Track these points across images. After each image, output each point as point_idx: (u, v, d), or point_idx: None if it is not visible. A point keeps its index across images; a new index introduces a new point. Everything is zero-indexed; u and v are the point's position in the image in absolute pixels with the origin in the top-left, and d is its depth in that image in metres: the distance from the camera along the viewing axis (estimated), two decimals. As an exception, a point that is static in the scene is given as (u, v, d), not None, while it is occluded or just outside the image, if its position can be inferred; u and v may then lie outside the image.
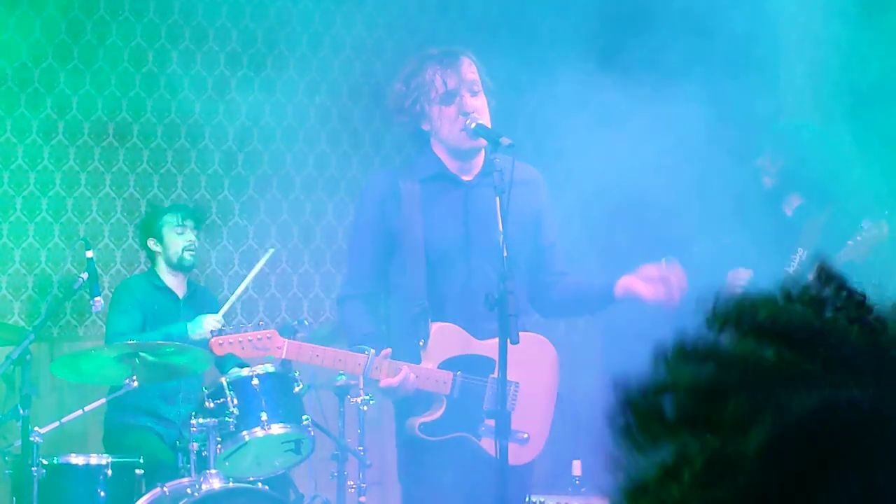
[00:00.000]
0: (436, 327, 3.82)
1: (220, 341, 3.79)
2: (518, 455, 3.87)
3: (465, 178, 3.94)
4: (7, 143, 6.05)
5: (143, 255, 5.88)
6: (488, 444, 3.79)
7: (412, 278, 3.83)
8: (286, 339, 3.76)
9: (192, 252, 5.64)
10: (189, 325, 5.37)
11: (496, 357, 3.71)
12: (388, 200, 3.90)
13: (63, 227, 6.16)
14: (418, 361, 3.82)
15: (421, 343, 3.81)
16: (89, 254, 5.02)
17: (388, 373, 3.75)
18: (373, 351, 3.74)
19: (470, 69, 3.89)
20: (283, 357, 3.81)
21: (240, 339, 3.78)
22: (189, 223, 5.65)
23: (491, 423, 3.74)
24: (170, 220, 5.66)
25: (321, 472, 5.57)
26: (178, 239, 5.63)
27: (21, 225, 6.09)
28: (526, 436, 3.80)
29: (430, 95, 3.84)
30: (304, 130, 6.73)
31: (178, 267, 5.65)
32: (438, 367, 3.83)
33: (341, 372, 5.25)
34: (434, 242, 3.86)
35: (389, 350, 3.78)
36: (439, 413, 3.82)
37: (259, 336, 3.77)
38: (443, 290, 3.85)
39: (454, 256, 3.87)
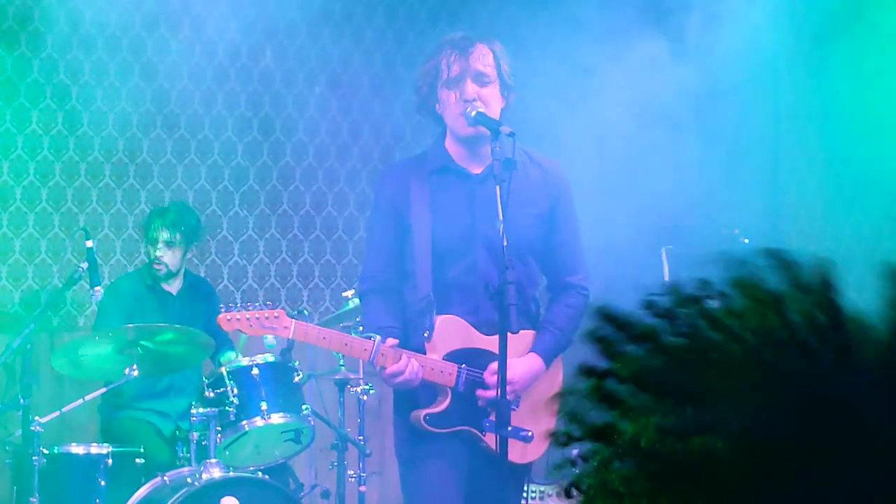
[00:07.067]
0: (440, 319, 3.82)
1: (229, 317, 3.81)
2: (523, 453, 3.86)
3: (475, 170, 3.93)
4: (7, 134, 6.06)
5: (143, 246, 5.86)
6: (492, 439, 3.79)
7: (420, 269, 3.84)
8: (293, 320, 3.77)
9: (158, 267, 5.53)
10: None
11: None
12: (399, 194, 3.92)
13: (63, 216, 6.17)
14: (425, 352, 3.81)
15: (426, 335, 3.81)
16: (89, 243, 5.01)
17: (394, 360, 3.76)
18: (378, 338, 3.74)
19: (484, 59, 3.87)
20: (290, 337, 3.82)
21: (247, 315, 3.80)
22: (161, 233, 5.51)
23: (494, 416, 3.74)
24: (148, 228, 5.60)
25: (321, 461, 5.59)
26: (149, 249, 5.57)
27: (21, 215, 6.10)
28: (530, 434, 3.79)
29: (437, 78, 3.87)
30: (303, 121, 6.72)
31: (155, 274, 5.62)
32: (443, 359, 3.83)
33: (341, 363, 5.27)
34: (441, 234, 3.86)
35: (396, 340, 3.79)
36: (444, 405, 3.82)
37: (267, 314, 3.80)
38: (448, 282, 3.86)
39: (460, 248, 3.87)
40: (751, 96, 6.70)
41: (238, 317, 3.80)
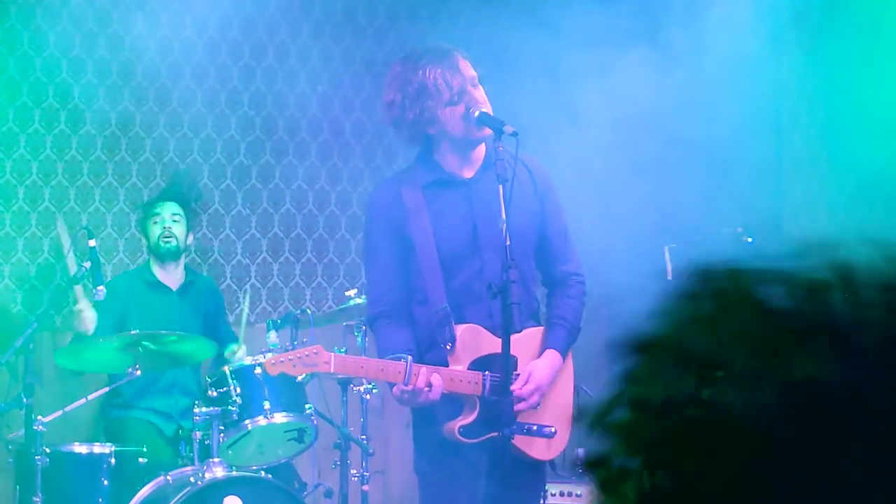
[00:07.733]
0: (461, 329, 3.79)
1: (273, 361, 3.81)
2: (547, 450, 3.86)
3: (467, 175, 3.92)
4: (9, 133, 6.05)
5: (145, 244, 5.87)
6: (520, 441, 3.77)
7: (430, 282, 3.81)
8: (332, 354, 3.78)
9: (168, 239, 5.59)
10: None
11: (518, 354, 3.72)
12: (394, 211, 3.87)
13: (66, 216, 6.16)
14: (445, 365, 3.79)
15: (448, 347, 3.78)
16: (92, 242, 5.01)
17: (426, 380, 3.72)
18: (410, 358, 3.71)
19: (466, 65, 3.87)
20: (331, 371, 3.83)
21: (290, 357, 3.81)
22: (165, 207, 5.58)
23: (523, 420, 3.74)
24: (147, 209, 5.64)
25: (324, 460, 5.58)
26: (154, 227, 5.61)
27: (24, 214, 6.09)
28: (553, 429, 3.79)
29: (437, 99, 3.79)
30: (306, 120, 6.72)
31: (160, 257, 5.62)
32: (468, 369, 3.81)
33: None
34: (445, 244, 3.83)
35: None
36: (475, 414, 3.80)
37: (307, 352, 3.79)
38: (459, 289, 3.83)
39: (467, 254, 3.84)
40: (753, 95, 6.69)
41: (282, 359, 3.81)
